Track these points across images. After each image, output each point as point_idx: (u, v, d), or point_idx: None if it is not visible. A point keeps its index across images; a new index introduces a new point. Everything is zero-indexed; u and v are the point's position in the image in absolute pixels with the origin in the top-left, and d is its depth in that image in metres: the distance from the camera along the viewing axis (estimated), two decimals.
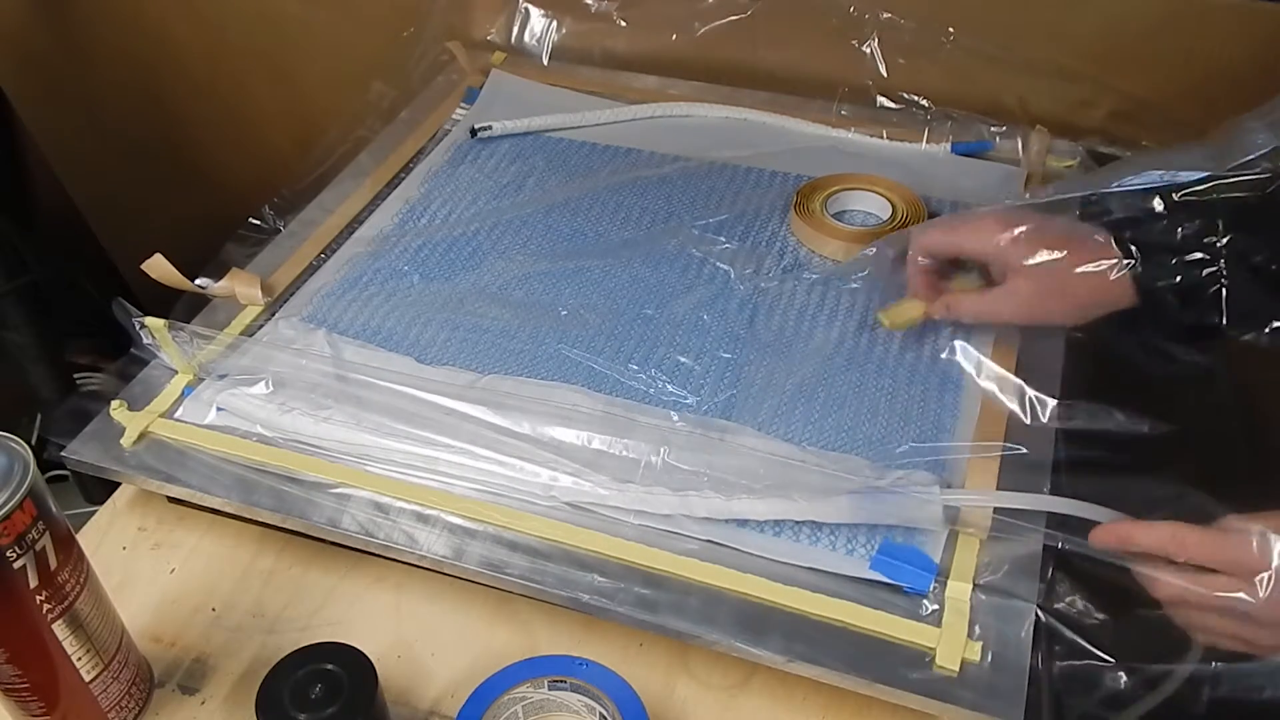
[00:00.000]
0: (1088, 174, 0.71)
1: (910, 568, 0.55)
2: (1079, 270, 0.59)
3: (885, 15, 0.87)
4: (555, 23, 0.96)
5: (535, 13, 0.97)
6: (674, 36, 0.95)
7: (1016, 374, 0.62)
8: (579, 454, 0.60)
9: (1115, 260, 0.58)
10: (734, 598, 0.55)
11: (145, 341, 0.66)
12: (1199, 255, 0.57)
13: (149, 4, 1.12)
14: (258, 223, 0.80)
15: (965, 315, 0.65)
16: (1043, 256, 0.60)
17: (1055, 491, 0.57)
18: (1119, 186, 0.60)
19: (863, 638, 0.53)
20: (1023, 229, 0.61)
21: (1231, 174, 0.57)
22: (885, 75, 0.88)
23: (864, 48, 0.88)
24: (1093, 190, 0.61)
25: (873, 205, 0.80)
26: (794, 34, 0.92)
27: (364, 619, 0.60)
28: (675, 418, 0.63)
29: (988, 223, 0.63)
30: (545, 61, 0.97)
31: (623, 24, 0.95)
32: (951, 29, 0.86)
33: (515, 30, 0.98)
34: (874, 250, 0.70)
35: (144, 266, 0.71)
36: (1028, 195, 0.71)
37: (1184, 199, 0.57)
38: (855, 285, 0.73)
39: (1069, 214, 0.63)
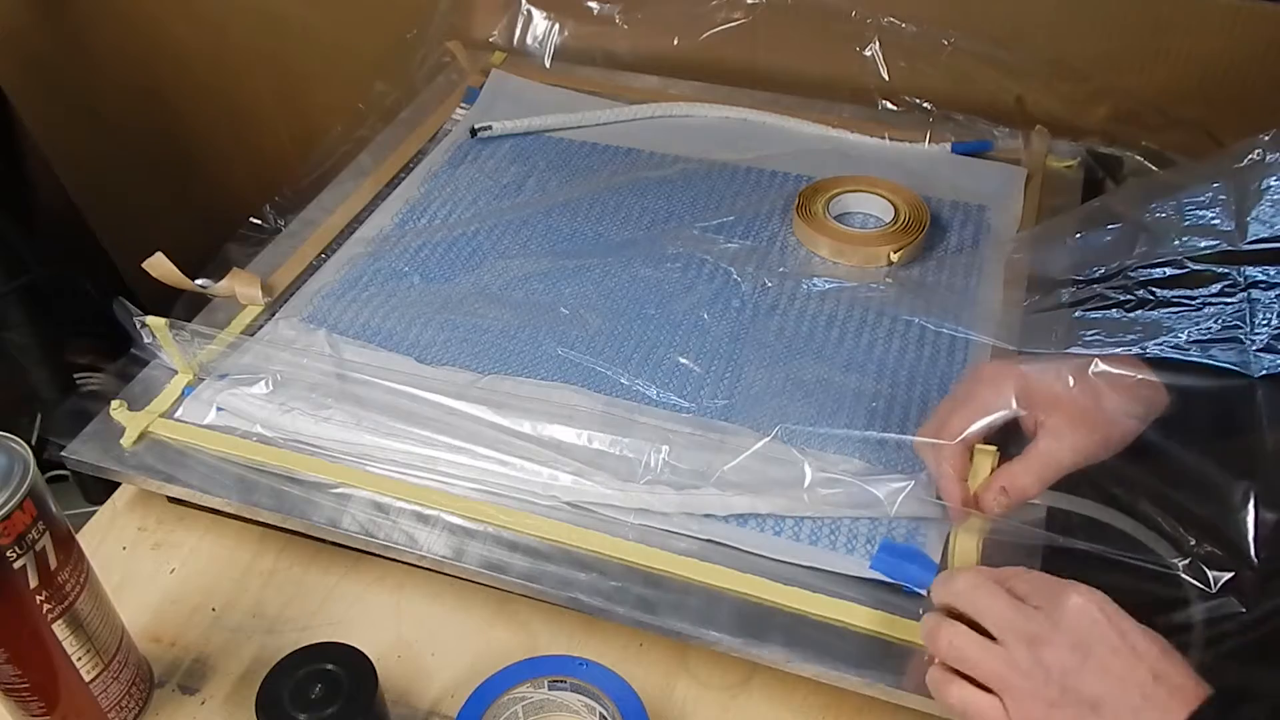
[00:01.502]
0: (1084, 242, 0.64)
1: (910, 567, 0.55)
2: (1103, 373, 0.53)
3: (887, 19, 0.87)
4: (558, 25, 0.96)
5: (538, 15, 0.97)
6: (676, 40, 0.95)
7: None
8: (579, 454, 0.60)
9: (1135, 362, 0.53)
10: (734, 598, 0.55)
11: (146, 341, 0.66)
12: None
13: (149, 4, 1.12)
14: (258, 222, 0.80)
15: (1030, 490, 0.55)
16: (1065, 382, 0.54)
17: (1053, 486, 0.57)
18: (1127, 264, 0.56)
19: (863, 638, 0.53)
20: (1032, 371, 0.55)
21: (1250, 249, 0.53)
22: (887, 78, 0.88)
23: (865, 51, 0.88)
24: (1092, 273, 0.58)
25: (875, 208, 0.80)
26: (796, 38, 0.93)
27: (364, 619, 0.60)
28: (674, 418, 0.63)
29: (992, 385, 0.56)
30: (548, 64, 0.97)
31: (625, 27, 0.95)
32: (952, 31, 0.86)
33: (518, 32, 0.98)
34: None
35: (145, 265, 0.71)
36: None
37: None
38: (864, 294, 0.73)
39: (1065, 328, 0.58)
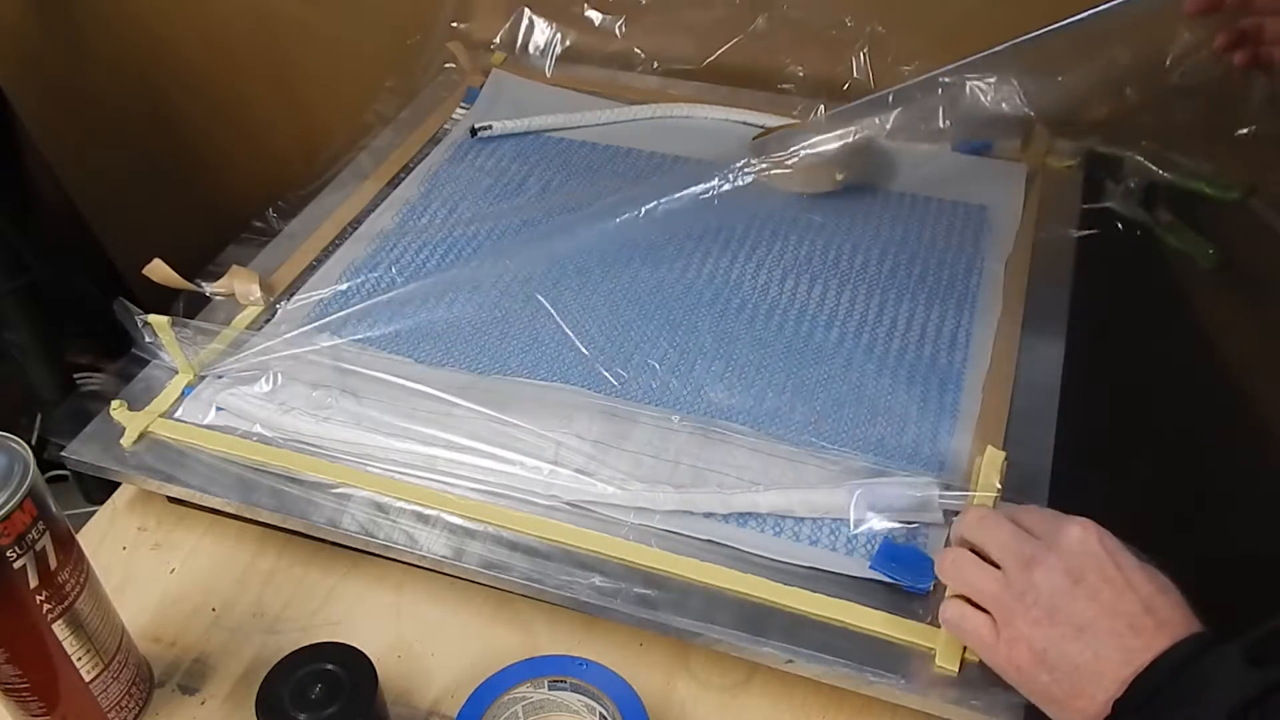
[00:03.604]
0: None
1: (910, 568, 0.55)
2: None
3: (880, 28, 0.87)
4: (560, 34, 0.96)
5: (540, 24, 0.96)
6: (680, 50, 0.94)
7: (1015, 380, 0.64)
8: (580, 453, 0.60)
9: None
10: (734, 598, 0.55)
11: (147, 340, 0.66)
12: None
13: (149, 4, 1.12)
14: (261, 226, 0.80)
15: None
16: None
17: (1054, 488, 0.58)
18: None
19: (863, 638, 0.53)
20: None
21: None
22: (888, 79, 0.88)
23: (864, 52, 0.88)
24: None
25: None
26: (796, 39, 0.92)
27: (364, 619, 0.60)
28: (675, 417, 0.63)
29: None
30: (548, 73, 0.96)
31: (629, 40, 0.94)
32: (950, 31, 0.86)
33: (519, 41, 0.97)
34: None
35: (144, 272, 0.71)
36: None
37: None
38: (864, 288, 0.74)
39: None
